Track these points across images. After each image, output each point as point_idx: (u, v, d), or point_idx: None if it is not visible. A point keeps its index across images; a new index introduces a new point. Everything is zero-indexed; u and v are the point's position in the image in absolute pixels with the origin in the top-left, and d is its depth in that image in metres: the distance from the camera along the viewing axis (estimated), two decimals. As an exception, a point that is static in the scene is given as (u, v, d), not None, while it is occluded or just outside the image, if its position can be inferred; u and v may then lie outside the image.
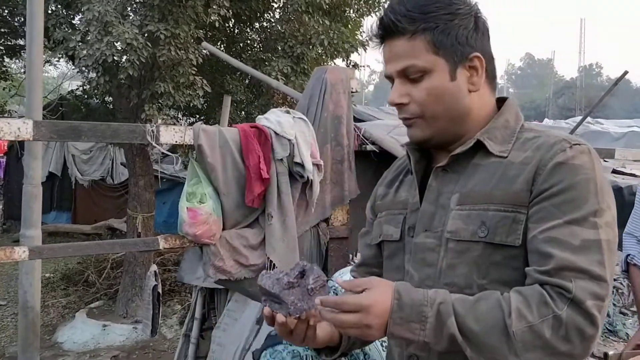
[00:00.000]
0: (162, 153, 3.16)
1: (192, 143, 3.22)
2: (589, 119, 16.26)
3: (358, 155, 3.82)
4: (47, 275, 11.44)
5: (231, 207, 3.38)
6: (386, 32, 1.34)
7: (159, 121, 6.64)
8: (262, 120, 3.54)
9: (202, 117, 9.59)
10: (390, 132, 4.34)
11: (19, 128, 2.62)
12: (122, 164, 14.08)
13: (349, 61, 8.06)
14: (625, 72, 8.08)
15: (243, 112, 9.16)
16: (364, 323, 1.14)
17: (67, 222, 14.77)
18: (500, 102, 1.43)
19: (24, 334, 4.38)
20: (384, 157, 3.89)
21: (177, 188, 12.61)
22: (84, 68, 6.14)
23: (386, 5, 1.41)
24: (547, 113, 48.99)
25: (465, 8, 1.33)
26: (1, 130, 2.61)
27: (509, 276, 1.21)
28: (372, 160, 3.90)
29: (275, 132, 3.42)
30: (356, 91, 3.81)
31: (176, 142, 3.19)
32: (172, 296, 9.73)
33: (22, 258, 2.61)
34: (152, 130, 3.06)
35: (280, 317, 1.26)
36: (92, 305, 9.52)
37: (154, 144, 3.09)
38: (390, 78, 1.36)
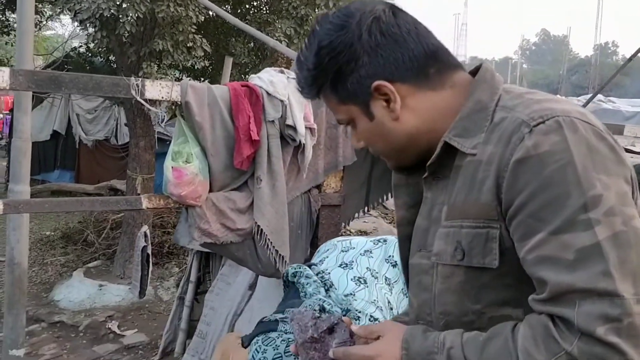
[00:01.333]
0: (147, 107, 3.02)
1: (179, 100, 3.09)
2: (600, 97, 15.91)
3: (355, 120, 3.66)
4: (48, 233, 11.43)
5: (219, 169, 3.25)
6: (304, 94, 1.28)
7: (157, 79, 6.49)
8: (254, 79, 3.39)
9: (205, 80, 9.43)
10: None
11: (-6, 76, 2.49)
12: (126, 124, 13.98)
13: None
14: (640, 49, 7.83)
15: (246, 76, 9.00)
16: None
17: (71, 181, 14.73)
18: (472, 73, 1.22)
19: (10, 291, 4.31)
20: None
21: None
22: (82, 23, 5.97)
23: None
24: (560, 90, 48.32)
25: (347, 38, 1.15)
26: (-25, 77, 2.49)
27: (505, 296, 1.06)
28: (369, 125, 3.75)
29: (267, 92, 3.27)
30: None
31: (162, 98, 3.06)
32: (170, 259, 9.69)
33: (-6, 212, 2.50)
34: (136, 84, 2.93)
35: None
36: (90, 264, 9.50)
37: (138, 98, 2.96)
38: None
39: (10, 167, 4.14)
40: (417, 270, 1.20)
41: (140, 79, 2.95)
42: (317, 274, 2.09)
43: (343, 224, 3.94)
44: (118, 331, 7.69)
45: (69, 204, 2.85)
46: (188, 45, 6.06)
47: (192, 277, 6.94)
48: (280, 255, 3.38)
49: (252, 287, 5.45)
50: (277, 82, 3.32)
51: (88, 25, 5.84)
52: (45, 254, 10.53)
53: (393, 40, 1.15)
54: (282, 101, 3.28)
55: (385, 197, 4.12)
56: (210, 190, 3.26)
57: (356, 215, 4.07)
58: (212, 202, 3.23)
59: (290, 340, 1.67)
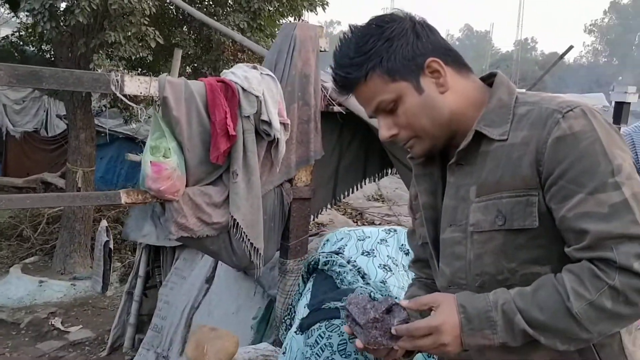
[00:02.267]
0: (128, 103, 3.02)
1: (156, 95, 3.10)
2: (524, 91, 16.64)
3: (324, 116, 3.76)
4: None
5: (194, 163, 3.28)
6: (345, 88, 1.40)
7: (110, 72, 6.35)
8: (228, 74, 3.42)
9: (145, 71, 9.24)
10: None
11: (-25, 70, 2.45)
12: (57, 116, 13.55)
13: (304, 19, 7.93)
14: (571, 47, 8.26)
15: (189, 68, 8.91)
16: (439, 343, 1.17)
17: (-2, 173, 14.14)
18: (489, 78, 1.43)
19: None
20: (349, 119, 3.86)
21: (115, 143, 12.24)
22: (27, 13, 5.77)
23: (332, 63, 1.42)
24: (484, 84, 49.75)
25: (397, 28, 1.34)
26: (-45, 71, 2.44)
27: (537, 254, 1.23)
28: (338, 121, 3.87)
29: (242, 88, 3.32)
30: (325, 50, 3.73)
31: (141, 93, 3.06)
32: (112, 254, 9.50)
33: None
34: (116, 79, 2.92)
35: (358, 344, 1.27)
36: (26, 260, 9.19)
37: (118, 94, 2.95)
38: (371, 116, 1.43)
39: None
40: (450, 243, 1.35)
41: (119, 75, 2.95)
42: (347, 262, 2.16)
43: (312, 216, 4.04)
44: (62, 327, 7.51)
45: (50, 199, 2.81)
46: (140, 37, 5.97)
47: (141, 272, 6.87)
48: (255, 247, 3.44)
49: (209, 280, 5.47)
50: (251, 78, 3.37)
51: (36, 14, 5.64)
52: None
53: (433, 33, 1.38)
54: (257, 97, 3.33)
55: (350, 191, 4.25)
56: (186, 185, 3.28)
57: (324, 208, 4.18)
58: (188, 196, 3.26)
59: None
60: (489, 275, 1.27)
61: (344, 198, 4.29)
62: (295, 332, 1.94)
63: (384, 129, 1.38)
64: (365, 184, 4.39)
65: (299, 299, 2.25)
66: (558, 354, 1.21)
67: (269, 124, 3.37)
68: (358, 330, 1.29)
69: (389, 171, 4.42)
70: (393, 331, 1.23)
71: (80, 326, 7.66)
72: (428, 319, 1.21)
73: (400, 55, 1.32)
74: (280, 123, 3.45)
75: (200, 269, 5.60)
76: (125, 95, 3.03)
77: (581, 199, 1.15)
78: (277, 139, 3.45)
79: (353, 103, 3.79)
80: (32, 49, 10.35)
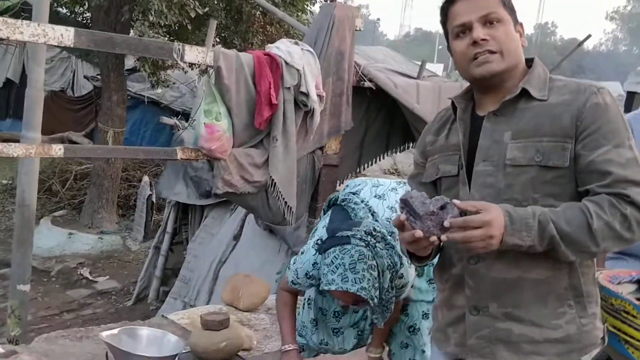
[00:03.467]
0: (185, 69, 3.39)
1: (211, 64, 3.47)
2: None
3: (355, 90, 4.13)
4: (4, 182, 11.43)
5: (240, 128, 3.67)
6: None
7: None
8: (273, 49, 3.79)
9: (172, 38, 9.54)
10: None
11: (62, 34, 2.81)
12: (85, 77, 13.87)
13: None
14: (589, 36, 8.54)
15: (218, 38, 9.21)
16: (488, 235, 1.43)
17: (24, 130, 14.53)
18: (527, 62, 1.79)
19: (20, 231, 4.60)
20: (377, 94, 4.23)
21: (140, 107, 12.56)
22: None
23: None
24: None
25: None
26: (46, 34, 2.80)
27: (557, 191, 1.56)
28: (367, 96, 4.23)
29: (285, 62, 3.69)
30: (360, 29, 4.08)
31: (198, 62, 3.44)
32: (154, 207, 9.91)
33: (57, 155, 2.85)
34: (178, 48, 3.30)
35: (418, 233, 1.51)
36: (56, 213, 9.65)
37: (179, 61, 3.33)
38: (464, 25, 1.64)
39: (24, 116, 4.41)
40: (482, 174, 1.64)
41: (181, 45, 3.30)
42: (361, 201, 2.54)
43: (338, 181, 4.43)
44: (90, 277, 7.98)
45: (117, 151, 3.22)
46: (180, 5, 6.31)
47: (169, 228, 7.32)
48: (288, 206, 3.85)
49: (237, 237, 5.90)
50: (293, 53, 3.74)
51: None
52: (5, 202, 10.59)
53: None
54: (298, 70, 3.70)
55: (373, 161, 4.64)
56: (232, 147, 3.67)
57: (349, 175, 4.58)
58: (234, 156, 3.65)
59: (361, 251, 2.14)
60: (515, 202, 1.54)
61: (367, 167, 4.67)
62: (313, 246, 2.36)
63: (481, 32, 1.61)
64: (387, 156, 4.76)
65: (317, 225, 2.65)
66: (551, 273, 1.56)
67: (306, 95, 3.75)
68: (412, 220, 1.52)
69: (410, 145, 4.79)
70: (446, 224, 1.46)
71: (107, 277, 8.11)
72: (481, 215, 1.45)
73: (510, 2, 1.67)
74: (317, 95, 3.82)
75: (228, 226, 6.02)
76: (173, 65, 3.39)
77: (608, 149, 1.51)
78: (313, 109, 3.83)
79: (382, 79, 4.17)
80: (64, 11, 10.68)
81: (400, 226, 1.55)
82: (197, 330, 2.91)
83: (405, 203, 1.53)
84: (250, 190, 3.76)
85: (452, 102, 1.79)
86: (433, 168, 1.80)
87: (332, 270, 2.15)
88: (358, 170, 4.59)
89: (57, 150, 2.84)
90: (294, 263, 2.49)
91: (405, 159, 8.76)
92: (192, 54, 3.37)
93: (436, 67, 19.75)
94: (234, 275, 4.12)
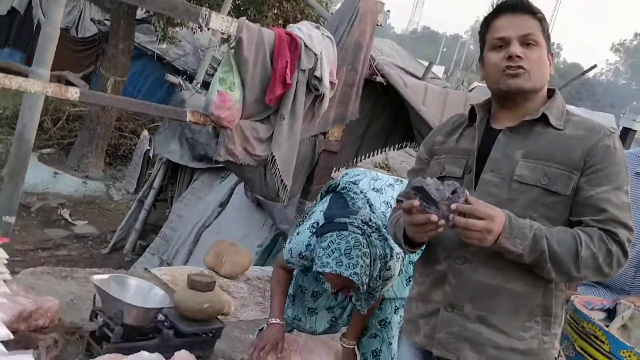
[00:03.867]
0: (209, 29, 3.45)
1: (234, 34, 3.54)
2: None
3: (365, 83, 4.22)
4: (-5, 111, 11.35)
5: (251, 101, 3.74)
6: (516, 8, 1.75)
7: None
8: (294, 29, 3.86)
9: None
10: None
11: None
12: (92, 19, 13.76)
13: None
14: (594, 66, 8.69)
15: (232, 4, 9.22)
16: (488, 228, 1.53)
17: (21, 62, 14.38)
18: (548, 91, 1.91)
19: (14, 163, 4.64)
20: (387, 90, 4.32)
21: (142, 59, 12.49)
22: None
23: None
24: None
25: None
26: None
27: (553, 215, 1.67)
28: (377, 90, 4.33)
29: (305, 44, 3.76)
30: (381, 24, 4.17)
31: (222, 30, 3.51)
32: (125, 162, 9.96)
33: (73, 97, 2.92)
34: (205, 14, 3.35)
35: (434, 217, 1.59)
36: (43, 151, 9.63)
37: (203, 25, 3.40)
38: (503, 40, 1.74)
39: (36, 52, 4.44)
40: (488, 183, 1.74)
41: (207, 11, 3.36)
42: (360, 192, 2.64)
43: (334, 168, 4.54)
44: (69, 219, 8.03)
45: (131, 104, 3.28)
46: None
47: (156, 185, 7.39)
48: (283, 183, 3.95)
49: (223, 205, 5.99)
50: (314, 37, 3.81)
51: None
52: (-6, 131, 10.54)
53: None
54: (315, 54, 3.78)
55: (371, 154, 4.75)
56: (240, 118, 3.75)
57: (346, 164, 4.68)
58: (240, 127, 3.73)
59: (356, 238, 2.24)
60: (514, 215, 1.64)
61: (364, 159, 4.78)
62: (309, 228, 2.45)
63: (518, 49, 1.72)
64: (385, 151, 4.87)
65: (314, 208, 2.73)
66: (529, 289, 1.67)
67: (319, 80, 3.83)
68: (425, 204, 1.59)
69: (408, 144, 4.90)
70: (454, 207, 1.55)
71: (86, 222, 8.17)
72: (487, 209, 1.55)
73: (548, 31, 1.78)
74: (329, 82, 3.91)
75: (216, 193, 6.11)
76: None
77: (608, 189, 1.64)
78: (324, 94, 3.91)
79: (394, 77, 4.26)
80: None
81: (409, 211, 1.62)
82: (181, 289, 2.99)
83: (419, 190, 1.60)
84: (250, 162, 3.84)
85: (472, 109, 1.88)
86: (438, 166, 1.89)
87: (327, 254, 2.25)
88: (355, 160, 4.70)
89: (73, 93, 2.92)
90: (289, 243, 2.58)
91: (397, 155, 8.88)
92: (217, 21, 3.43)
93: (438, 69, 19.83)
94: (219, 241, 4.22)
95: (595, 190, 1.65)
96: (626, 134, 7.44)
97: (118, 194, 9.04)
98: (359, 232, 2.33)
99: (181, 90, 7.11)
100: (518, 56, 1.71)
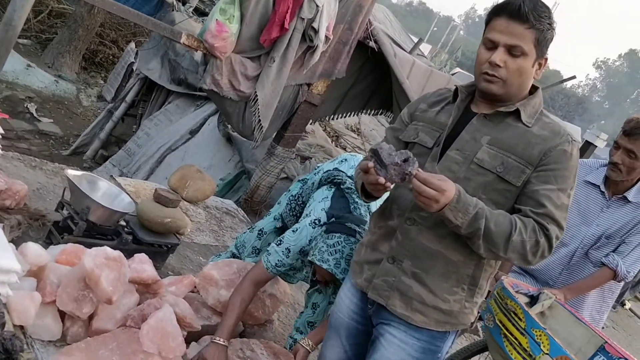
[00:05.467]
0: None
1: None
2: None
3: (358, 45, 4.33)
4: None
5: (245, 37, 3.82)
6: (514, 16, 1.79)
7: None
8: (301, -23, 3.93)
9: None
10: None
11: None
12: None
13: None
14: (573, 77, 8.94)
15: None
16: (436, 198, 1.68)
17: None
18: (531, 87, 2.05)
19: (-2, 46, 4.63)
20: (376, 57, 4.44)
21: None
22: None
23: None
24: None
25: (554, 24, 1.86)
26: None
27: (500, 200, 1.85)
28: (367, 55, 4.44)
29: (309, -6, 3.84)
30: (384, -7, 4.25)
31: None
32: (100, 70, 9.84)
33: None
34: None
35: (381, 179, 1.75)
36: (20, 40, 9.42)
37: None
38: (493, 42, 1.81)
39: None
40: (450, 160, 1.89)
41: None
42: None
43: (311, 121, 4.67)
44: (35, 114, 7.95)
45: (130, 14, 3.31)
46: None
47: (128, 98, 7.37)
48: (260, 124, 4.07)
49: (193, 133, 6.07)
50: (319, -11, 3.89)
51: None
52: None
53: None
54: (317, 6, 3.86)
55: (348, 115, 4.89)
56: (232, 51, 3.83)
57: (322, 118, 4.81)
58: (230, 60, 3.82)
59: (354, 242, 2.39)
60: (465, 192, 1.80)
61: (340, 118, 4.92)
62: (310, 224, 2.54)
63: (498, 58, 1.81)
64: (361, 115, 5.02)
65: (309, 195, 2.79)
66: (463, 259, 1.86)
67: (316, 32, 3.92)
68: (378, 167, 1.76)
69: (384, 113, 5.05)
70: (413, 172, 1.70)
71: (52, 120, 8.10)
72: (442, 182, 1.69)
73: (546, 39, 1.83)
74: (325, 36, 4.01)
75: (189, 119, 6.17)
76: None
77: (552, 188, 1.80)
78: (317, 47, 4.02)
79: (387, 46, 4.39)
80: None
81: (366, 170, 1.78)
82: (146, 201, 3.12)
83: (374, 152, 1.77)
84: (233, 97, 3.94)
85: (457, 89, 2.01)
86: (413, 132, 2.04)
87: (330, 252, 2.37)
88: (332, 117, 4.83)
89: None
90: (281, 244, 2.52)
91: (369, 122, 9.04)
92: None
93: (425, 47, 19.92)
94: (186, 165, 4.31)
95: (541, 187, 1.81)
96: (587, 147, 7.76)
97: (88, 99, 8.96)
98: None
99: (173, 10, 7.07)
100: (497, 65, 1.81)
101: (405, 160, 1.73)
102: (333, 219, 2.50)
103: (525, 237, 1.75)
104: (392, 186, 1.79)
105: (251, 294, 2.48)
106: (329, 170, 2.77)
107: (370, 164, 1.77)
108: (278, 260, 2.48)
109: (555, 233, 1.79)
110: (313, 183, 2.82)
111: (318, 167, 2.94)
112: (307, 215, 2.64)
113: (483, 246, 1.77)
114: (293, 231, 2.53)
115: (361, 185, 1.98)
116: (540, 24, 1.80)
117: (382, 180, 1.75)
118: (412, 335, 1.95)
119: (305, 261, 2.63)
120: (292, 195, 2.96)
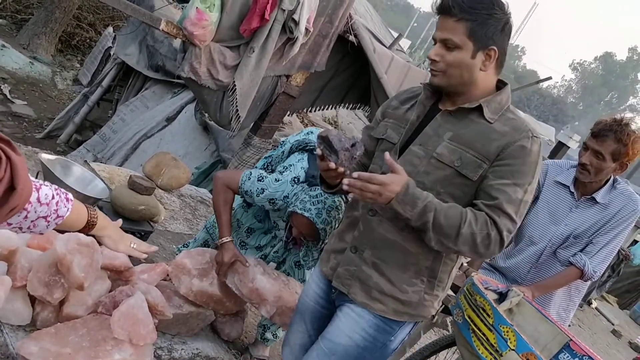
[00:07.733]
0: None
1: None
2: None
3: (338, 39, 4.34)
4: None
5: (225, 26, 3.81)
6: (442, 10, 1.84)
7: None
8: (283, -32, 3.92)
9: None
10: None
11: None
12: None
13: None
14: (549, 78, 9.05)
15: None
16: (379, 193, 1.72)
17: None
18: (500, 83, 2.07)
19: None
20: (356, 51, 4.46)
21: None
22: None
23: None
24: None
25: (500, 14, 1.85)
26: None
27: (458, 194, 1.87)
28: (346, 49, 4.46)
29: (290, -15, 3.84)
30: (366, -13, 4.27)
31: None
32: (76, 53, 9.71)
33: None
34: None
35: (332, 165, 1.80)
36: (-6, 19, 9.27)
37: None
38: (434, 39, 1.86)
39: None
40: (412, 154, 1.92)
41: None
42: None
43: (289, 112, 4.67)
44: (8, 96, 7.83)
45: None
46: None
47: (104, 83, 7.29)
48: (238, 114, 4.06)
49: (170, 120, 6.03)
50: (301, -19, 3.89)
51: None
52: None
53: (509, 37, 1.92)
54: (298, -2, 3.87)
55: (325, 108, 4.90)
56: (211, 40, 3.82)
57: (300, 110, 4.82)
58: (209, 49, 3.80)
59: (341, 202, 2.42)
60: (423, 186, 1.84)
61: (318, 110, 4.93)
62: (290, 181, 2.57)
63: (434, 52, 1.85)
64: (338, 108, 5.04)
65: (280, 164, 2.84)
66: (421, 251, 1.89)
67: (296, 23, 3.93)
68: (327, 153, 1.81)
69: (362, 107, 5.08)
70: (355, 175, 1.74)
71: (25, 102, 7.98)
72: (384, 177, 1.73)
73: (486, 29, 1.81)
74: (305, 28, 4.02)
75: (165, 106, 6.13)
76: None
77: (507, 182, 1.80)
78: (297, 39, 4.02)
79: (366, 40, 4.40)
80: None
81: (321, 159, 1.83)
82: (121, 187, 3.11)
83: (323, 139, 1.81)
84: (211, 85, 3.93)
85: (424, 86, 2.03)
86: (383, 128, 2.08)
87: (312, 202, 2.42)
88: (310, 109, 4.84)
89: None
90: (261, 181, 2.61)
91: (347, 115, 9.06)
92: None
93: (404, 43, 19.99)
94: (162, 152, 4.30)
95: (496, 181, 1.83)
96: (560, 148, 7.89)
97: (63, 82, 8.84)
98: (345, 199, 2.52)
99: (153, -5, 6.99)
100: (433, 59, 1.86)
101: (353, 145, 1.80)
102: (312, 178, 2.56)
103: (476, 230, 1.77)
104: (347, 172, 1.82)
105: (231, 197, 2.66)
106: (298, 139, 2.81)
107: (318, 150, 1.82)
108: (250, 189, 2.58)
109: (507, 227, 1.79)
110: (283, 152, 2.86)
111: (283, 140, 2.98)
112: (284, 168, 2.68)
113: (434, 238, 1.80)
114: (276, 180, 2.59)
115: (319, 176, 2.02)
116: (470, 15, 1.81)
117: (332, 165, 1.79)
118: (370, 312, 1.98)
119: (274, 218, 2.73)
120: (260, 169, 2.97)
